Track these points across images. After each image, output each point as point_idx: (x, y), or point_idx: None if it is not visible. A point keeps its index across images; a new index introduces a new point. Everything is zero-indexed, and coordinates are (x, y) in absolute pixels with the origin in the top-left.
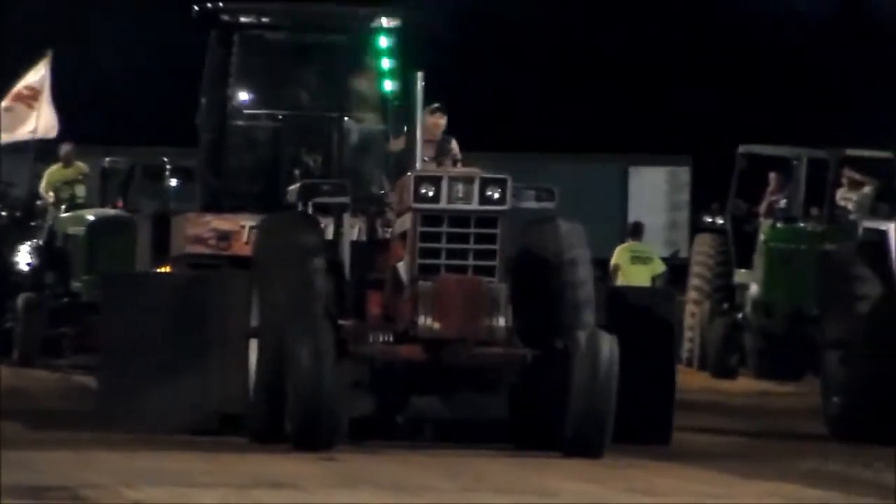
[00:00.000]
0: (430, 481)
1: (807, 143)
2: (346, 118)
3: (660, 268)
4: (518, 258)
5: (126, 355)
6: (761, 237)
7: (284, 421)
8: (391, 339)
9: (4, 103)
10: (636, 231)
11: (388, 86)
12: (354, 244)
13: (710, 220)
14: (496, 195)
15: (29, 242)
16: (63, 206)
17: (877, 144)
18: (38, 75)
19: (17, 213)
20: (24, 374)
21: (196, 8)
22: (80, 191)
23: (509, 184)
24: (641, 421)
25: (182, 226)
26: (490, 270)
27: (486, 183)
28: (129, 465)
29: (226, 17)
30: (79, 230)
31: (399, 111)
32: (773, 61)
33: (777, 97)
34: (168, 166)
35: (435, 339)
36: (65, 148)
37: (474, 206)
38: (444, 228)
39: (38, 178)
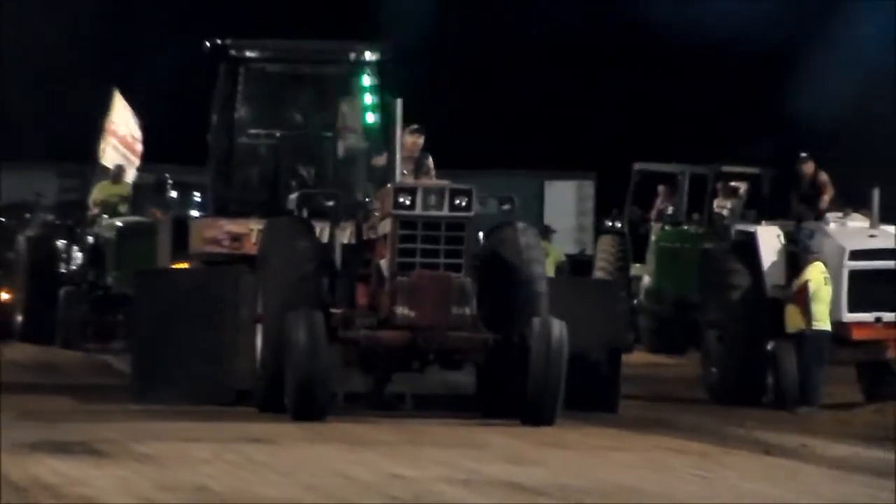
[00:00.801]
0: (383, 437)
1: (689, 160)
2: (335, 137)
3: (558, 259)
4: (483, 257)
5: (154, 339)
6: (652, 238)
7: (284, 394)
8: (375, 325)
9: (111, 141)
10: (545, 233)
11: (370, 118)
12: (345, 245)
13: (610, 224)
14: (463, 203)
15: (76, 246)
16: (106, 216)
17: (747, 161)
18: (125, 114)
19: (69, 222)
20: (56, 353)
21: (207, 44)
22: (123, 207)
23: (474, 194)
24: (592, 393)
25: (200, 229)
26: (458, 267)
27: (454, 193)
28: (139, 425)
29: (233, 52)
30: (111, 234)
31: (380, 133)
32: (659, 92)
33: (664, 122)
34: (170, 181)
35: (411, 325)
36: (116, 167)
37: (445, 212)
38: (419, 231)
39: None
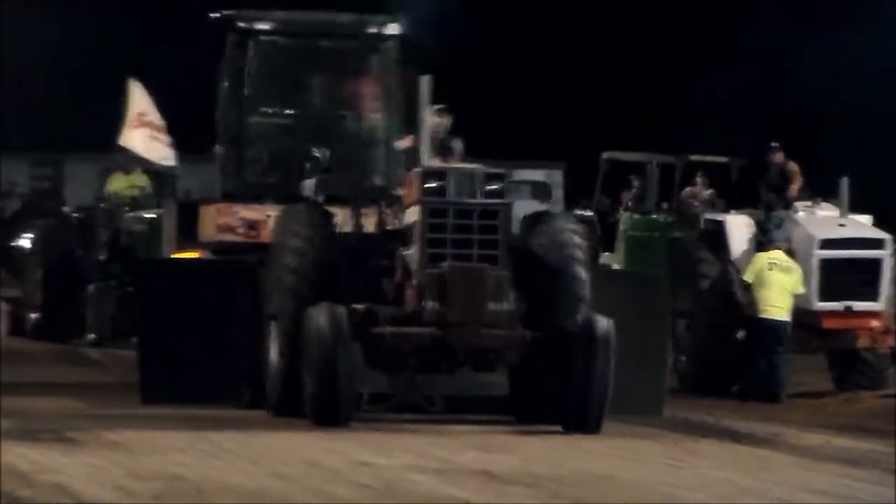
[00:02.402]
0: (353, 425)
1: (658, 149)
2: (351, 116)
3: None
4: (519, 248)
5: (160, 336)
6: (621, 227)
7: (302, 396)
8: (400, 321)
9: (134, 128)
10: None
11: (391, 96)
12: (366, 234)
13: (580, 212)
14: (497, 189)
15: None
16: (126, 209)
17: (716, 151)
18: (145, 102)
19: (79, 216)
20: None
21: (214, 15)
22: (149, 199)
23: (509, 178)
24: (634, 395)
25: (211, 215)
26: (493, 259)
27: (488, 178)
28: (111, 413)
29: (242, 24)
30: (141, 227)
31: (400, 111)
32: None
33: (633, 112)
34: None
35: (441, 321)
36: (128, 159)
37: (478, 199)
38: (450, 220)
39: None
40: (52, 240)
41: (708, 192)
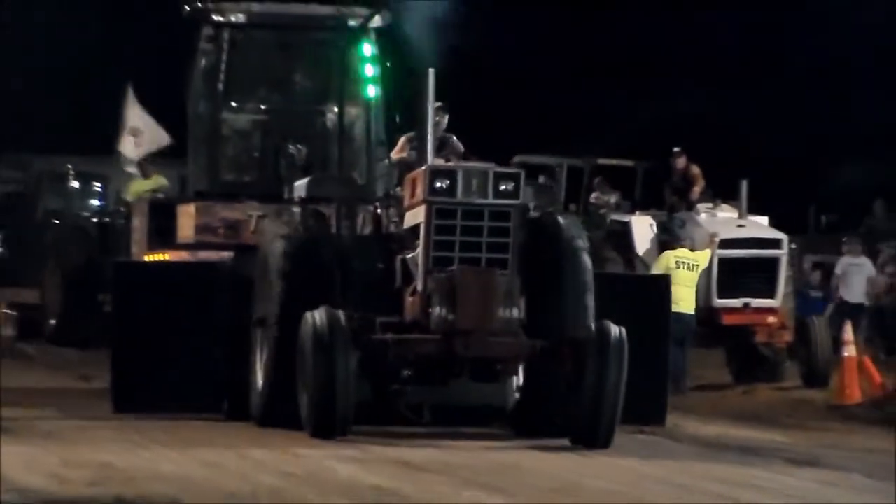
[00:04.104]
0: None
1: (567, 153)
2: (328, 111)
3: None
4: (520, 251)
5: (137, 338)
6: None
7: (293, 408)
8: (401, 329)
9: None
10: None
11: (371, 91)
12: (362, 237)
13: None
14: (510, 188)
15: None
16: None
17: (622, 154)
18: (133, 111)
19: (106, 219)
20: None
21: (187, 7)
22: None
23: (522, 178)
24: (636, 405)
25: (190, 214)
26: (503, 263)
27: (499, 177)
28: (42, 403)
29: (216, 17)
30: None
31: (380, 107)
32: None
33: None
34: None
35: (448, 329)
36: (139, 163)
37: (489, 199)
38: (458, 221)
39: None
40: (70, 245)
41: (614, 196)
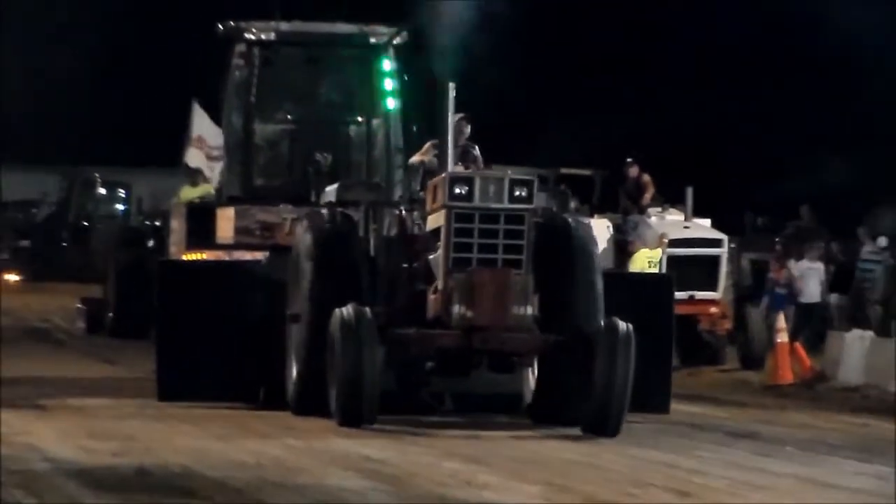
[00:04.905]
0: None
1: (532, 163)
2: (351, 121)
3: None
4: (536, 252)
5: (180, 333)
6: None
7: (325, 397)
8: (422, 326)
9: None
10: None
11: (391, 103)
12: (386, 238)
13: None
14: (524, 194)
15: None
16: None
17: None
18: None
19: (157, 223)
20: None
21: (221, 27)
22: None
23: (535, 184)
24: (641, 394)
25: (229, 217)
26: (518, 263)
27: (514, 183)
28: (74, 382)
29: (248, 35)
30: None
31: (399, 119)
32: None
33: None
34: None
35: (467, 325)
36: (192, 171)
37: (504, 204)
38: (476, 225)
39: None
40: (125, 246)
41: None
